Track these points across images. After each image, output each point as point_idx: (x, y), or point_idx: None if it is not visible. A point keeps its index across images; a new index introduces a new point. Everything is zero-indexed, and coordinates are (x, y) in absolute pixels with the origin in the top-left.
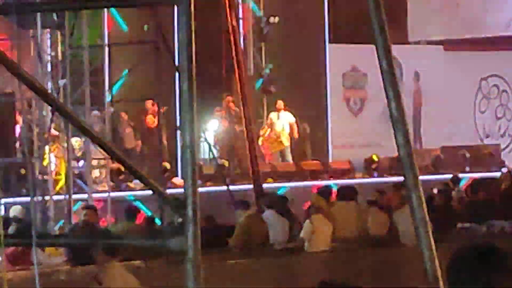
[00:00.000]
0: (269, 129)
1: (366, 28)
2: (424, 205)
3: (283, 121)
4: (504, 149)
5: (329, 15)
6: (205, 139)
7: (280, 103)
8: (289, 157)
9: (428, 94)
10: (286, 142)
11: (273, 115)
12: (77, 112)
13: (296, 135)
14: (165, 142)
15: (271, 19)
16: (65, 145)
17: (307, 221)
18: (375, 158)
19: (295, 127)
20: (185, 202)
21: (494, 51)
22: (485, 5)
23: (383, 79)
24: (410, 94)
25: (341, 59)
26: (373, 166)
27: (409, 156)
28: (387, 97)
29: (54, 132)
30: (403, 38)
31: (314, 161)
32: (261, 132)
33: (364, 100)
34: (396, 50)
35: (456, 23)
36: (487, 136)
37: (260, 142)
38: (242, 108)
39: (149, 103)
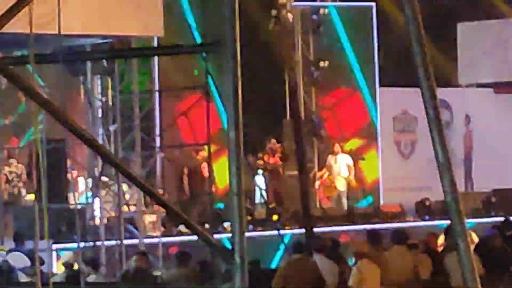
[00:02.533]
0: (327, 173)
1: (415, 71)
2: (472, 250)
3: (340, 164)
4: None
5: (379, 58)
6: (256, 184)
7: (337, 146)
8: (345, 201)
9: (479, 137)
10: (342, 187)
11: (330, 158)
12: (128, 157)
13: (352, 177)
14: (218, 186)
15: (321, 64)
16: (116, 190)
17: (354, 268)
18: (426, 201)
19: (352, 170)
20: (233, 249)
21: None
22: None
23: (429, 126)
24: (461, 137)
25: (391, 102)
26: (425, 209)
27: (455, 202)
28: (433, 144)
29: (104, 178)
30: (454, 81)
31: (366, 206)
32: (318, 176)
33: (414, 143)
34: (447, 93)
35: (506, 66)
36: None
37: (316, 186)
38: (297, 152)
39: (201, 149)
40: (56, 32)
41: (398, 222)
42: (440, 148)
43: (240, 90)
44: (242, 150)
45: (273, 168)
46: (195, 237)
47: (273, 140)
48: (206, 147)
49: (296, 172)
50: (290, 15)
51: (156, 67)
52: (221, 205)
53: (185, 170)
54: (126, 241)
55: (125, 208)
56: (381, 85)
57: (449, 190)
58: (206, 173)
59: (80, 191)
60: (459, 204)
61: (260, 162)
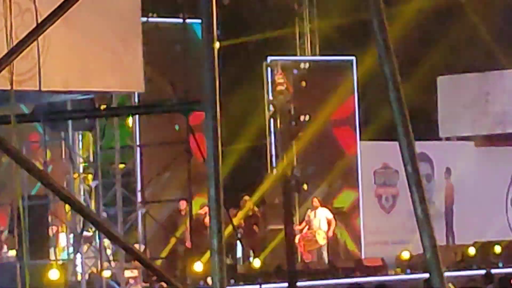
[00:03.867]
0: (306, 227)
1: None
2: None
3: (320, 219)
4: None
5: (359, 112)
6: (239, 238)
7: (316, 201)
8: (325, 255)
9: (460, 189)
10: (323, 241)
11: (310, 212)
12: (109, 213)
13: (331, 232)
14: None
15: (302, 118)
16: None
17: None
18: (407, 255)
19: (333, 224)
20: None
21: None
22: None
23: (408, 182)
24: (441, 190)
25: (372, 156)
26: (406, 263)
27: (435, 258)
28: (412, 200)
29: (87, 233)
30: (434, 135)
31: (347, 259)
32: (298, 230)
33: (396, 197)
34: (427, 146)
35: (486, 119)
36: None
37: (296, 240)
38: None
39: (182, 204)
40: (37, 88)
41: (380, 275)
42: (419, 204)
43: (220, 149)
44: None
45: (254, 222)
46: None
47: (247, 197)
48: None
49: (278, 226)
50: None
51: (137, 122)
52: None
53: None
54: None
55: (106, 263)
56: (361, 139)
57: (428, 245)
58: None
59: (62, 247)
60: (439, 259)
61: (242, 216)
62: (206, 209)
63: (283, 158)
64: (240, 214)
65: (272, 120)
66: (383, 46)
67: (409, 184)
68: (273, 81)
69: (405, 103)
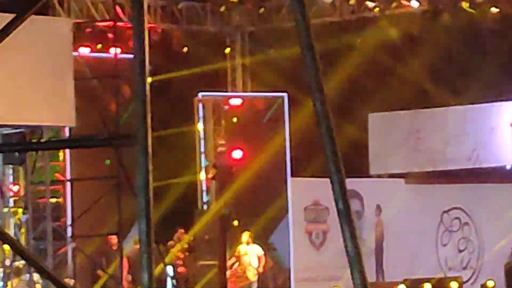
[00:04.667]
0: (237, 263)
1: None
2: None
3: (251, 255)
4: (466, 282)
5: (290, 149)
6: (168, 274)
7: (247, 236)
8: None
9: (390, 227)
10: (253, 277)
11: (240, 248)
12: (39, 247)
13: (261, 269)
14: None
15: (234, 154)
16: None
17: None
18: None
19: (263, 260)
20: None
21: (455, 184)
22: (446, 138)
23: (339, 219)
24: (372, 227)
25: (303, 193)
26: None
27: None
28: (343, 237)
29: (17, 266)
30: (365, 171)
31: None
32: (228, 266)
33: (326, 233)
34: (358, 183)
35: (417, 156)
36: (450, 269)
37: (227, 276)
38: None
39: (113, 239)
40: None
41: None
42: (350, 241)
43: (151, 184)
44: (153, 242)
45: (183, 258)
46: None
47: (181, 230)
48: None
49: (209, 262)
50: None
51: (68, 156)
52: None
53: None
54: None
55: None
56: (292, 175)
57: (359, 283)
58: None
59: None
60: None
61: (172, 251)
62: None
63: (215, 194)
64: (177, 246)
65: (203, 156)
66: (314, 82)
67: (340, 221)
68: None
69: (337, 140)
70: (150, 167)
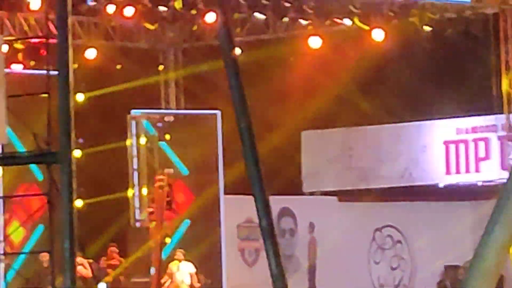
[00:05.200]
0: (169, 280)
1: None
2: None
3: (183, 272)
4: None
5: (224, 166)
6: None
7: (179, 254)
8: None
9: (323, 244)
10: None
11: (172, 265)
12: None
13: (196, 286)
14: None
15: (166, 170)
16: None
17: None
18: None
19: (195, 278)
20: None
21: (388, 202)
22: (379, 156)
23: (263, 237)
24: (305, 244)
25: (235, 210)
26: None
27: None
28: (267, 254)
29: None
30: (298, 189)
31: None
32: (161, 283)
33: (259, 251)
34: (291, 201)
35: (350, 174)
36: (382, 287)
37: None
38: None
39: (44, 256)
40: None
41: None
42: (274, 259)
43: (74, 201)
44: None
45: (116, 275)
46: None
47: (114, 247)
48: None
49: (141, 279)
50: None
51: (0, 173)
52: None
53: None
54: None
55: None
56: (225, 193)
57: None
58: None
59: None
60: None
61: (104, 268)
62: (80, 260)
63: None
64: (107, 263)
65: (136, 173)
66: (239, 101)
67: (263, 239)
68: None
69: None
70: (74, 185)
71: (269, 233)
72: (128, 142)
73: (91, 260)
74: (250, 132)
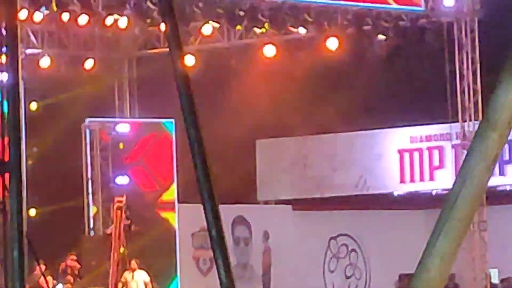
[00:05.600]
0: None
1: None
2: None
3: (137, 281)
4: None
5: (178, 174)
6: None
7: (134, 263)
8: None
9: (277, 253)
10: None
11: (127, 274)
12: None
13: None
14: None
15: (119, 180)
16: None
17: None
18: None
19: (149, 286)
20: None
21: (343, 210)
22: (333, 165)
23: (212, 246)
24: (259, 253)
25: (190, 219)
26: None
27: None
28: (216, 264)
29: None
30: (252, 198)
31: None
32: None
33: (213, 260)
34: (245, 209)
35: (304, 183)
36: None
37: None
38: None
39: None
40: None
41: None
42: (223, 268)
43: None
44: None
45: (73, 284)
46: None
47: (72, 256)
48: None
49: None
50: None
51: None
52: None
53: None
54: None
55: None
56: (180, 201)
57: None
58: None
59: None
60: None
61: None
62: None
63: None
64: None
65: (90, 182)
66: (188, 110)
67: (213, 248)
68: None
69: (219, 166)
70: (24, 194)
71: (218, 242)
72: (82, 151)
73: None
74: (200, 141)
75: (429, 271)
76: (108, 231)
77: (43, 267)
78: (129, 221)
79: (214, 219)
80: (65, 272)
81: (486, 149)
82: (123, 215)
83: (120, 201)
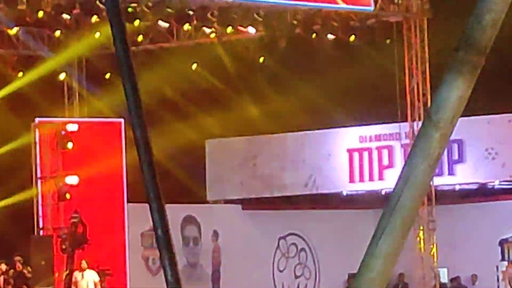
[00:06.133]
0: None
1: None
2: None
3: (87, 281)
4: None
5: (127, 174)
6: None
7: (84, 263)
8: None
9: (227, 252)
10: None
11: (77, 274)
12: None
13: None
14: None
15: (69, 179)
16: None
17: None
18: None
19: (99, 286)
20: None
21: (292, 210)
22: (283, 165)
23: (158, 247)
24: (209, 253)
25: (139, 218)
26: None
27: None
28: (162, 264)
29: None
30: (202, 197)
31: None
32: None
33: None
34: (195, 209)
35: (254, 182)
36: None
37: None
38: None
39: None
40: None
41: None
42: (170, 268)
43: None
44: None
45: (23, 283)
46: None
47: (18, 257)
48: None
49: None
50: None
51: None
52: None
53: None
54: None
55: None
56: (129, 200)
57: None
58: None
59: None
60: None
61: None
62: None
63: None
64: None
65: (39, 182)
66: (134, 110)
67: (159, 248)
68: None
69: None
70: None
71: (165, 242)
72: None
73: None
74: (146, 141)
75: (372, 271)
76: (63, 247)
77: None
78: (87, 239)
79: (160, 219)
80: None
81: (428, 148)
82: (79, 230)
83: (75, 217)
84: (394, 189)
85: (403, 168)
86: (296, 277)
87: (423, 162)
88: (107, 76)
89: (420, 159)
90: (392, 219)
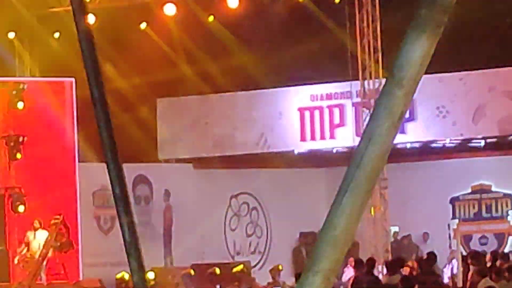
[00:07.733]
0: (25, 248)
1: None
2: None
3: (39, 240)
4: (254, 266)
5: (78, 134)
6: None
7: (36, 222)
8: (44, 277)
9: (178, 211)
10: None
11: (29, 234)
12: None
13: (51, 253)
14: None
15: (20, 139)
16: None
17: None
18: (125, 277)
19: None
20: None
21: (244, 169)
22: (234, 123)
23: (116, 205)
24: (160, 212)
25: (91, 177)
26: (124, 284)
27: (141, 282)
28: (120, 223)
29: None
30: (153, 157)
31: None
32: (18, 251)
33: (114, 218)
34: (146, 168)
35: (205, 141)
36: (238, 254)
37: (16, 261)
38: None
39: None
40: None
41: None
42: (127, 227)
43: None
44: None
45: None
46: None
47: None
48: None
49: None
50: None
51: None
52: None
53: None
54: None
55: None
56: (80, 160)
57: (136, 269)
58: None
59: None
60: (146, 283)
61: None
62: None
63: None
64: None
65: None
66: (91, 69)
67: (116, 207)
68: None
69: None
70: None
71: (122, 201)
72: None
73: None
74: (103, 101)
75: (335, 229)
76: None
77: None
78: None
79: (117, 178)
80: None
81: (392, 107)
82: (58, 232)
83: (57, 219)
84: (357, 147)
85: (366, 126)
86: (248, 235)
87: (387, 120)
88: (56, 35)
89: (383, 118)
90: (355, 178)
